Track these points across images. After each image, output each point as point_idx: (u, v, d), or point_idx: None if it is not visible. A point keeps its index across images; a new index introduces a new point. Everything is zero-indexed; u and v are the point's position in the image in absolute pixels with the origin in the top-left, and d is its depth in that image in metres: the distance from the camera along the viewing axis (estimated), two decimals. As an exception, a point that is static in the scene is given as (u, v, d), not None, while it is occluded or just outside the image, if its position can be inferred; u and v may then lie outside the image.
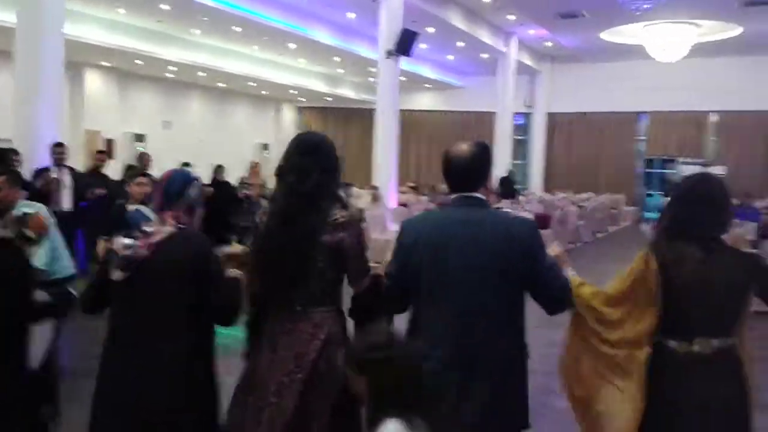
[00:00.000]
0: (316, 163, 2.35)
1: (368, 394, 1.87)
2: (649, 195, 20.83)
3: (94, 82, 15.64)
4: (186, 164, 8.93)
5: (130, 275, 2.32)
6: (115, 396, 2.30)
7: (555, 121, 21.01)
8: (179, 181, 2.49)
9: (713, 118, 19.44)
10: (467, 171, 2.34)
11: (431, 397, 1.90)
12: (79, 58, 14.05)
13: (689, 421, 2.31)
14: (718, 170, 18.28)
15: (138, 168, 8.57)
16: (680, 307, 2.31)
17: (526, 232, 2.28)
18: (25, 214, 2.69)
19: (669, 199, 2.52)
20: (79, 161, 11.31)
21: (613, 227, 17.02)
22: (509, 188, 14.26)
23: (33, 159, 7.19)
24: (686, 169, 19.17)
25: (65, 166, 7.35)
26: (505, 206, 12.65)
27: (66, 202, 7.26)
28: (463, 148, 2.37)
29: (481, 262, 2.22)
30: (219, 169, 9.07)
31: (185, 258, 2.33)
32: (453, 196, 2.36)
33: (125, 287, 2.33)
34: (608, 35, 16.29)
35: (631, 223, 18.24)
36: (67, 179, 7.30)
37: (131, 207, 2.51)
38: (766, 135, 18.65)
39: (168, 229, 2.37)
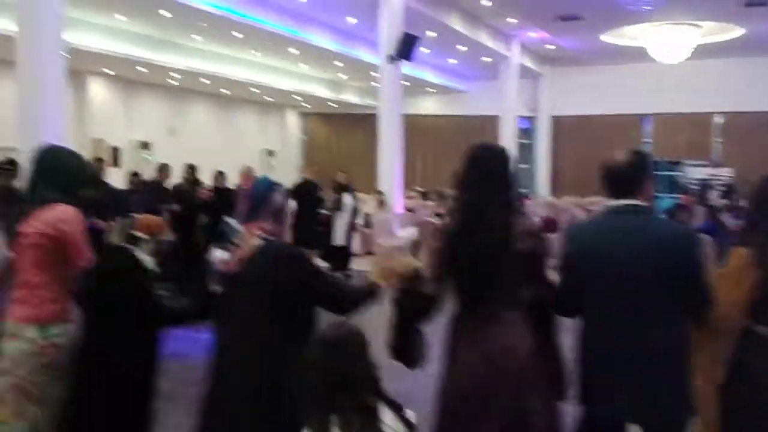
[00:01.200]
0: (478, 174, 2.42)
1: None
2: (657, 197, 20.76)
3: (97, 90, 15.69)
4: (191, 167, 8.97)
5: (226, 289, 2.39)
6: (212, 410, 2.39)
7: (559, 125, 20.96)
8: (262, 188, 2.50)
9: (718, 119, 19.38)
10: (621, 178, 2.44)
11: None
12: (81, 66, 14.10)
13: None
14: (725, 172, 18.23)
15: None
16: None
17: (685, 241, 2.38)
18: (131, 216, 2.86)
19: (751, 203, 2.74)
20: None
21: (619, 229, 16.93)
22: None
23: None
24: (693, 171, 19.13)
25: None
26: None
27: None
28: (619, 155, 2.50)
29: (637, 268, 2.31)
30: (220, 175, 9.04)
31: (273, 272, 2.33)
32: (611, 203, 2.46)
33: (223, 300, 2.40)
34: (609, 37, 16.25)
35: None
36: None
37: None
38: (772, 135, 18.57)
39: (256, 241, 2.37)
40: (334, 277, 2.51)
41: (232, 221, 2.49)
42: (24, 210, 2.89)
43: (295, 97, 20.10)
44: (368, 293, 2.50)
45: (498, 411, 2.30)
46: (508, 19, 15.34)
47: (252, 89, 18.24)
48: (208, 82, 16.85)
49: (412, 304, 2.46)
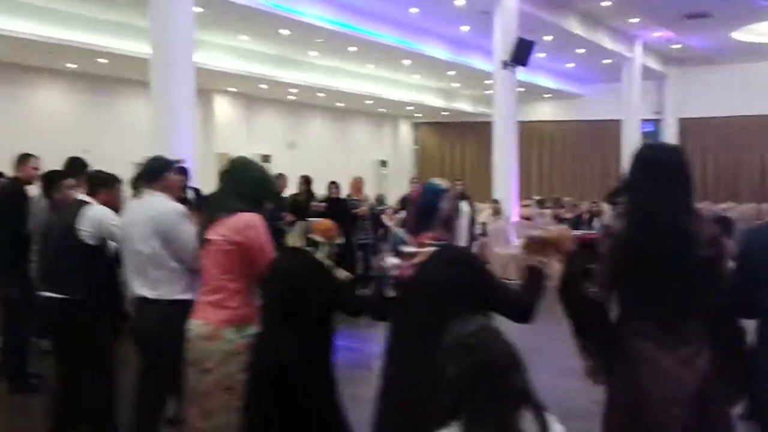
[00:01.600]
0: (652, 174, 2.32)
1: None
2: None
3: (222, 107, 16.50)
4: (306, 177, 9.17)
5: (399, 294, 2.43)
6: (388, 408, 2.42)
7: (687, 127, 19.77)
8: (430, 196, 2.50)
9: None
10: None
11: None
12: (208, 85, 14.86)
13: None
14: None
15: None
16: None
17: None
18: (307, 220, 2.99)
19: None
20: (212, 183, 11.90)
21: (755, 238, 15.69)
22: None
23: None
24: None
25: (190, 188, 7.55)
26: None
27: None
28: None
29: None
30: (333, 185, 9.21)
31: (447, 274, 2.32)
32: None
33: (397, 304, 2.45)
34: (741, 35, 15.18)
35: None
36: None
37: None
38: None
39: (429, 249, 2.38)
40: (506, 283, 2.42)
41: (400, 231, 2.52)
42: (210, 218, 3.03)
43: (408, 107, 20.23)
44: (533, 288, 2.38)
45: (677, 424, 2.17)
46: (630, 20, 14.68)
47: (366, 101, 18.55)
48: (323, 95, 17.31)
49: (580, 308, 2.34)
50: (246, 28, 12.28)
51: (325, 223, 3.03)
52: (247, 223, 2.91)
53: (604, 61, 16.91)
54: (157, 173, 3.44)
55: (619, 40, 15.84)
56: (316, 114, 19.68)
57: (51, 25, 10.83)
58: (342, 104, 19.20)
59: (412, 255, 2.38)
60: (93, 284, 3.68)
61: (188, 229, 3.29)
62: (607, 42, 15.31)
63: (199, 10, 9.32)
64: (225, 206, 2.98)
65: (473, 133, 22.46)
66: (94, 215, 3.68)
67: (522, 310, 2.37)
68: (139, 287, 3.34)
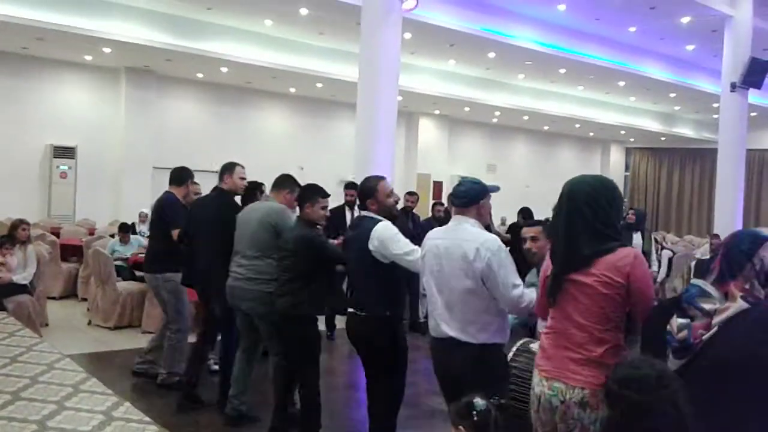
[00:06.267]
0: None
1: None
2: None
3: (427, 129, 16.84)
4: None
5: (691, 361, 1.99)
6: None
7: None
8: (746, 242, 2.07)
9: None
10: None
11: None
12: (414, 108, 15.29)
13: None
14: None
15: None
16: None
17: None
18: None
19: None
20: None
21: None
22: None
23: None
24: None
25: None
26: None
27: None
28: None
29: None
30: (526, 211, 8.87)
31: (757, 341, 1.89)
32: None
33: (689, 373, 1.99)
34: None
35: None
36: None
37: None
38: None
39: (736, 305, 1.95)
40: None
41: (700, 282, 2.04)
42: (574, 257, 2.39)
43: (621, 131, 19.14)
44: None
45: None
46: None
47: (574, 124, 17.87)
48: (528, 118, 16.96)
49: None
50: (454, 51, 12.40)
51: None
52: (629, 260, 2.30)
53: None
54: (474, 198, 3.03)
55: None
56: (520, 137, 19.34)
57: (277, 52, 11.82)
58: (547, 127, 18.68)
59: (712, 312, 1.93)
60: (390, 300, 3.54)
61: (510, 267, 2.87)
62: None
63: (408, 35, 9.58)
64: (601, 238, 2.35)
65: (694, 160, 20.70)
66: (378, 234, 3.48)
67: None
68: (447, 327, 2.96)
